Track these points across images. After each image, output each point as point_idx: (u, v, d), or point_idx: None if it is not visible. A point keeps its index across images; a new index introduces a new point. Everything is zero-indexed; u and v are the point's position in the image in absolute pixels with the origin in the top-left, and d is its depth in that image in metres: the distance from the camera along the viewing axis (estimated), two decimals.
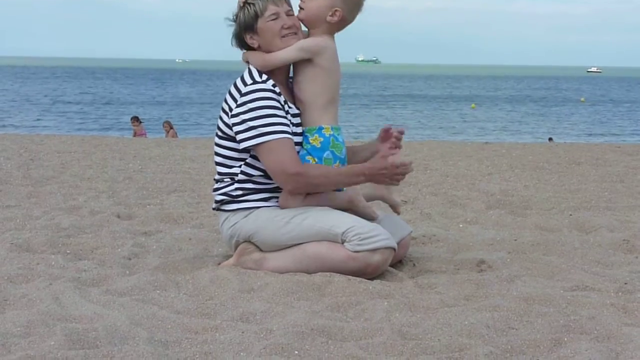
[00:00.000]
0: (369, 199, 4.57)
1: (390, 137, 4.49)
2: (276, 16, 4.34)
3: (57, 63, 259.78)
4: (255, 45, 4.40)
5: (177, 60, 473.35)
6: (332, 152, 4.36)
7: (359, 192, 4.48)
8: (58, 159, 10.40)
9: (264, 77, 4.33)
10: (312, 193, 4.36)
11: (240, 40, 4.47)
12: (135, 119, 23.12)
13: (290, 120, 4.32)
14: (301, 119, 4.39)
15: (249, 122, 4.24)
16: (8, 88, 74.55)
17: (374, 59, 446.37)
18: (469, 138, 30.83)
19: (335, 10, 4.31)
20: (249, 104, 4.24)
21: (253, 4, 4.36)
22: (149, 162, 10.43)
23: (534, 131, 37.94)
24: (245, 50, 4.47)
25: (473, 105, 60.95)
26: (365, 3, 4.42)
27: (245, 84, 4.31)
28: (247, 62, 4.44)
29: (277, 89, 4.31)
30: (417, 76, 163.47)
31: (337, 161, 4.38)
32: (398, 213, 4.78)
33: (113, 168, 9.56)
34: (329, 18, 4.32)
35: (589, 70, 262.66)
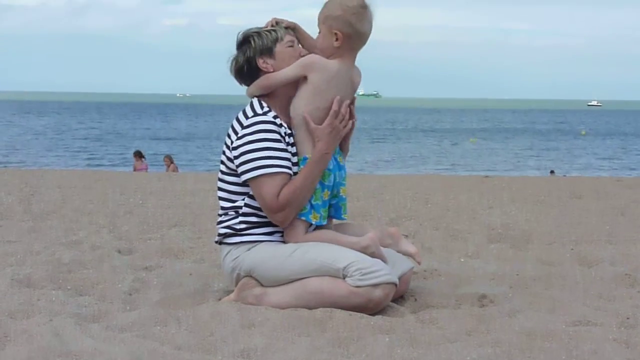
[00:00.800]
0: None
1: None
2: (292, 44, 4.42)
3: (57, 97, 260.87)
4: (270, 70, 4.40)
5: (177, 95, 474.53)
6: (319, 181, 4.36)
7: (376, 239, 4.42)
8: (59, 194, 10.41)
9: (265, 109, 4.35)
10: (319, 234, 4.38)
11: (250, 66, 4.44)
12: (136, 154, 23.26)
13: (290, 152, 4.33)
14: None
15: (245, 155, 4.27)
16: (14, 122, 74.80)
17: (375, 92, 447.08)
18: (481, 172, 30.88)
19: (335, 34, 4.31)
20: (248, 137, 4.27)
21: (274, 30, 4.42)
22: (150, 196, 10.43)
23: (540, 165, 37.98)
24: (252, 88, 4.46)
25: (474, 139, 60.97)
26: (370, 9, 4.33)
27: (246, 117, 4.34)
28: (252, 97, 4.45)
29: (277, 121, 4.32)
30: (421, 110, 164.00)
31: (326, 189, 4.38)
32: (419, 262, 4.58)
33: (114, 202, 9.57)
34: (335, 44, 4.32)
35: (590, 103, 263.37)
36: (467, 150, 50.77)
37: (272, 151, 4.25)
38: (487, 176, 15.96)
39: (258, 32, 4.44)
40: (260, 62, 4.41)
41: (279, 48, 4.39)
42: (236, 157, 4.32)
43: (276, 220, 4.33)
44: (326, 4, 4.35)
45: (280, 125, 4.33)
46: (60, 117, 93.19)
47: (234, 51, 4.52)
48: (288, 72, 4.34)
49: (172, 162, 23.05)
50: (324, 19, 4.33)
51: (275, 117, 4.33)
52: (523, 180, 14.28)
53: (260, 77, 4.41)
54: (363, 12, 4.32)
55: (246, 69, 4.46)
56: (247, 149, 4.27)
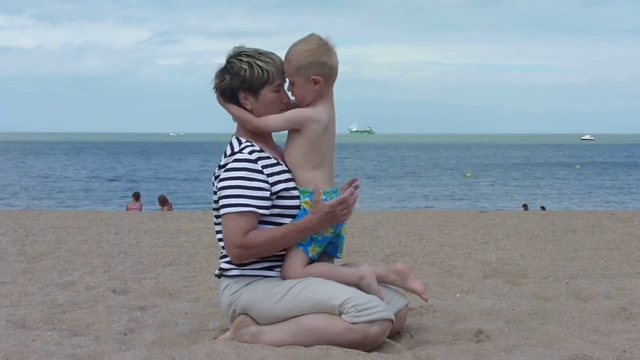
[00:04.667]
0: (381, 282, 4.50)
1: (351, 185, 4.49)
2: (278, 89, 4.39)
3: (52, 138, 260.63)
4: (248, 107, 4.39)
5: (170, 134, 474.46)
6: None
7: (372, 272, 4.42)
8: (53, 235, 10.40)
9: (243, 145, 4.34)
10: (316, 267, 4.37)
11: (231, 93, 4.40)
12: (134, 195, 23.79)
13: (268, 182, 4.30)
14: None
15: (220, 192, 4.30)
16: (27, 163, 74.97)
17: (368, 129, 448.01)
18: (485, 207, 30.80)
19: (314, 80, 4.32)
20: (222, 175, 4.30)
21: (267, 70, 4.36)
22: (144, 236, 10.43)
23: (535, 199, 37.92)
24: (230, 104, 4.43)
25: (469, 174, 61.00)
26: (329, 41, 4.37)
27: (225, 156, 4.36)
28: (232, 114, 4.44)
29: (253, 156, 4.31)
30: (415, 146, 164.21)
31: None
32: (426, 300, 4.58)
33: (108, 243, 9.56)
34: (316, 88, 4.34)
35: (583, 137, 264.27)
36: (462, 185, 50.82)
37: (241, 190, 4.24)
38: (481, 211, 15.98)
39: (251, 66, 4.36)
40: (241, 96, 4.39)
41: (265, 91, 4.36)
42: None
43: (231, 255, 4.29)
44: (289, 56, 4.34)
45: (257, 160, 4.32)
46: (72, 158, 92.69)
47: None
48: (277, 124, 4.35)
49: (166, 203, 23.20)
50: (296, 71, 4.32)
51: (251, 152, 4.33)
52: (518, 215, 14.31)
53: (252, 119, 4.37)
54: (327, 47, 4.37)
55: (227, 95, 4.43)
56: (220, 187, 4.29)
